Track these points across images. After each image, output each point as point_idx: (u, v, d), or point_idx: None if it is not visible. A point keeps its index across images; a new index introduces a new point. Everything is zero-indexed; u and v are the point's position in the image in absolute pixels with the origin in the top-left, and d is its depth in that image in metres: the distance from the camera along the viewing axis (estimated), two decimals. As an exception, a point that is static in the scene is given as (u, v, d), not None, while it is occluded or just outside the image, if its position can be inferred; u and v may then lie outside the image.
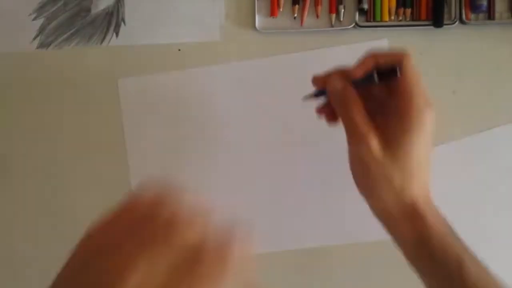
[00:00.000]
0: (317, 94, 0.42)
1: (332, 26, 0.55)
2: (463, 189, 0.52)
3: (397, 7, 0.54)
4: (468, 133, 0.54)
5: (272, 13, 0.56)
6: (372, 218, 0.46)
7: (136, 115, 0.56)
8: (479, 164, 0.53)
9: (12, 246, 0.58)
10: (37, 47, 0.59)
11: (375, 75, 0.39)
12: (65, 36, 0.59)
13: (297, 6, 0.55)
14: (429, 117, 0.39)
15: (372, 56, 0.40)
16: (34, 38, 0.59)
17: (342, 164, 0.43)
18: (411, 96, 0.39)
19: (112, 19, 0.58)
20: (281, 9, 0.56)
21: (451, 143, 0.54)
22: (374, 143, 0.39)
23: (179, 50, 0.57)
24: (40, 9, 0.59)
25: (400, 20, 0.55)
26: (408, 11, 0.54)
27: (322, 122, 0.43)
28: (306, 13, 0.56)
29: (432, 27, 0.54)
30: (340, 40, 0.55)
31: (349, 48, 0.55)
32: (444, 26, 0.54)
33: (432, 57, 0.54)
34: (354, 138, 0.40)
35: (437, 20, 0.53)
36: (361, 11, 0.55)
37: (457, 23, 0.54)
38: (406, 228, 0.40)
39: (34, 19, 0.59)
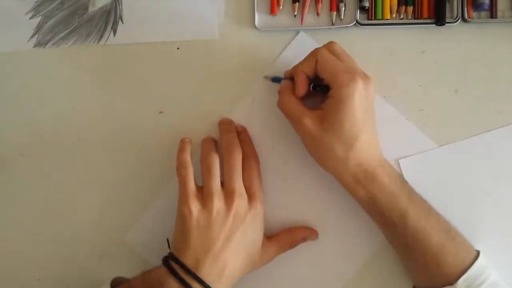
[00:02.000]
0: (274, 80, 0.53)
1: (332, 24, 0.55)
2: (463, 190, 0.51)
3: (399, 5, 0.54)
4: (470, 132, 0.53)
5: (272, 11, 0.55)
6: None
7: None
8: (480, 166, 0.53)
9: (11, 245, 0.58)
10: (34, 46, 0.58)
11: (311, 89, 0.49)
12: (62, 34, 0.58)
13: (297, 4, 0.55)
14: (353, 88, 0.45)
15: (301, 72, 0.49)
16: (31, 37, 0.58)
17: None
18: (335, 76, 0.46)
19: (110, 17, 0.58)
20: (281, 7, 0.55)
21: (452, 144, 0.53)
22: (309, 122, 0.47)
23: (178, 48, 0.57)
24: (37, 8, 0.59)
25: (402, 18, 0.54)
26: (410, 9, 0.54)
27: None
28: (306, 11, 0.55)
29: (434, 25, 0.53)
30: (341, 39, 0.54)
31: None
32: (446, 25, 0.53)
33: (434, 55, 0.54)
34: (293, 122, 0.49)
35: (439, 18, 0.53)
36: (362, 9, 0.54)
37: (459, 21, 0.53)
38: (358, 190, 0.47)
39: (31, 17, 0.59)
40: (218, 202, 0.48)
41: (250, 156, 0.52)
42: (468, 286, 0.44)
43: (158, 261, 0.49)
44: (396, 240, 0.48)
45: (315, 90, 0.49)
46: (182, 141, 0.52)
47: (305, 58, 0.49)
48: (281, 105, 0.50)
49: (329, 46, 0.49)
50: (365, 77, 0.46)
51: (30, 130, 0.58)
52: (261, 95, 0.55)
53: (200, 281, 0.46)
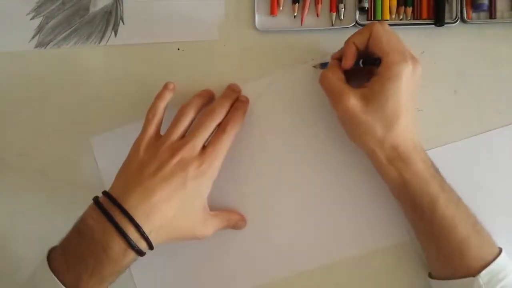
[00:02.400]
0: (323, 66, 0.53)
1: (332, 25, 0.55)
2: (463, 191, 0.51)
3: (398, 5, 0.54)
4: (469, 133, 0.53)
5: (272, 12, 0.55)
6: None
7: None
8: (481, 166, 0.53)
9: (10, 246, 0.58)
10: (35, 46, 0.59)
11: (361, 64, 0.49)
12: (63, 35, 0.58)
13: (297, 5, 0.55)
14: (403, 68, 0.45)
15: (352, 43, 0.48)
16: (32, 37, 0.59)
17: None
18: (387, 53, 0.46)
19: (111, 18, 0.58)
20: (281, 8, 0.56)
21: (451, 144, 0.53)
22: (352, 100, 0.46)
23: (178, 49, 0.57)
24: (38, 8, 0.59)
25: (401, 19, 0.54)
26: (409, 10, 0.54)
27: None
28: (306, 12, 0.55)
29: (433, 26, 0.54)
30: (340, 39, 0.55)
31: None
32: (445, 25, 0.53)
33: (433, 56, 0.54)
34: (334, 98, 0.48)
35: (438, 19, 0.53)
36: (362, 10, 0.54)
37: (458, 22, 0.53)
38: (391, 172, 0.47)
39: (32, 18, 0.59)
40: (167, 147, 0.48)
41: (229, 123, 0.50)
42: (489, 279, 0.44)
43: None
44: (421, 226, 0.48)
45: (365, 66, 0.49)
46: (165, 87, 0.52)
47: (358, 31, 0.49)
48: (323, 79, 0.49)
49: (382, 23, 0.48)
50: (415, 59, 0.47)
51: (30, 130, 0.58)
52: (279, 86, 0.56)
53: (122, 210, 0.44)
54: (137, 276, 0.55)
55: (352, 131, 0.49)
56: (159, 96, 0.51)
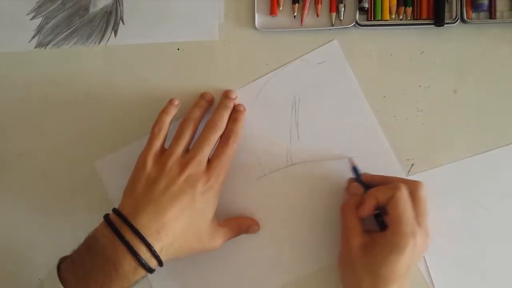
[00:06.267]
0: (354, 170, 0.52)
1: (332, 25, 0.55)
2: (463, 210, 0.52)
3: (398, 5, 0.54)
4: (469, 131, 0.53)
5: (272, 12, 0.55)
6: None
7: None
8: (482, 185, 0.53)
9: (11, 246, 0.58)
10: (35, 47, 0.59)
11: (373, 216, 0.49)
12: (63, 35, 0.58)
13: (297, 5, 0.55)
14: (408, 243, 0.44)
15: (373, 197, 0.47)
16: (32, 38, 0.59)
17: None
18: (399, 222, 0.45)
19: (111, 18, 0.58)
20: (281, 8, 0.56)
21: (455, 163, 0.53)
22: (355, 241, 0.47)
23: (178, 49, 0.57)
24: (38, 8, 0.59)
25: (401, 19, 0.54)
26: (409, 10, 0.54)
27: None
28: (306, 12, 0.55)
29: (433, 26, 0.54)
30: (340, 39, 0.55)
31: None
32: (445, 25, 0.53)
33: (433, 56, 0.54)
34: (347, 234, 0.48)
35: (438, 19, 0.53)
36: (362, 10, 0.54)
37: (458, 22, 0.53)
38: None
39: (32, 18, 0.59)
40: (173, 162, 0.48)
41: (231, 135, 0.51)
42: None
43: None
44: None
45: (376, 219, 0.49)
46: (170, 102, 0.53)
47: (385, 186, 0.48)
48: (345, 211, 0.49)
49: (415, 186, 0.47)
50: (426, 236, 0.46)
51: (30, 130, 0.58)
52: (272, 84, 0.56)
53: (134, 229, 0.44)
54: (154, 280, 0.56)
55: (342, 269, 0.48)
56: (164, 111, 0.52)
